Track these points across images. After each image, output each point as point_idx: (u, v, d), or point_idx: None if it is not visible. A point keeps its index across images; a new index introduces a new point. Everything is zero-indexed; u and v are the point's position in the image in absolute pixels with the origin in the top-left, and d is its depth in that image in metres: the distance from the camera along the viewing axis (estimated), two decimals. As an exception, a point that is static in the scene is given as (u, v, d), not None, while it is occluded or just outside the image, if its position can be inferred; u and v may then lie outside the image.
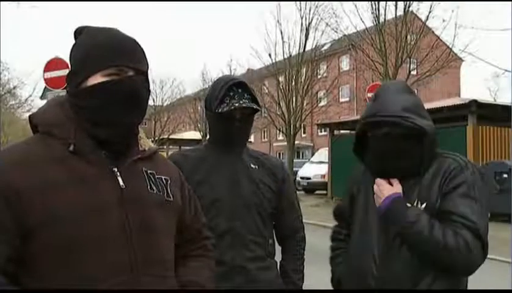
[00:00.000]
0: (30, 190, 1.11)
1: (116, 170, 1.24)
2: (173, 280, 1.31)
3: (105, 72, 1.23)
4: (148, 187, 1.29)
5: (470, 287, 1.75)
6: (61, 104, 1.29)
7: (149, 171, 1.32)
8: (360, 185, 1.87)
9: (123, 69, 1.24)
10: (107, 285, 1.13)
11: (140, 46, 1.30)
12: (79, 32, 1.31)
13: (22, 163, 1.15)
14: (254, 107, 1.91)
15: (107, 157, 1.24)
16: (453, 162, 1.68)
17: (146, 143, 1.38)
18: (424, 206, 1.65)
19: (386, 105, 1.71)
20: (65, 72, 7.98)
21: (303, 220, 2.16)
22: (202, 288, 1.38)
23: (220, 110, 1.89)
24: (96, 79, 1.23)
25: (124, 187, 1.22)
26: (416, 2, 16.16)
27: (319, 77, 23.83)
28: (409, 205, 1.65)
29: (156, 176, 1.34)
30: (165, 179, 1.36)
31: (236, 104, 1.87)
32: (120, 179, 1.23)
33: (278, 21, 21.87)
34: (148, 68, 1.31)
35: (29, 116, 1.30)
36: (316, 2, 20.07)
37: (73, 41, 1.32)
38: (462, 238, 1.53)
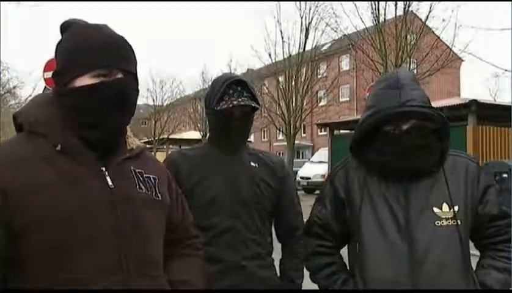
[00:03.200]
0: (18, 191, 1.10)
1: (104, 169, 1.22)
2: (164, 279, 1.30)
3: (93, 73, 1.21)
4: (137, 187, 1.28)
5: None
6: (47, 102, 1.27)
7: (137, 171, 1.31)
8: (354, 188, 1.65)
9: (111, 71, 1.22)
10: (99, 286, 1.13)
11: (128, 44, 1.28)
12: (66, 26, 1.28)
13: (10, 164, 1.13)
14: (253, 105, 1.90)
15: (95, 157, 1.23)
16: (471, 162, 1.64)
17: (134, 142, 1.37)
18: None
19: (414, 94, 1.53)
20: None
21: (303, 220, 2.16)
22: (191, 287, 1.37)
23: (218, 108, 1.88)
24: (85, 80, 1.21)
25: (113, 186, 1.21)
26: (416, 2, 16.16)
27: (319, 76, 23.80)
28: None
29: (145, 175, 1.33)
30: (153, 178, 1.35)
31: (235, 102, 1.87)
32: (108, 179, 1.22)
33: (278, 21, 21.86)
34: (136, 66, 1.29)
35: (13, 115, 1.27)
36: (316, 2, 20.06)
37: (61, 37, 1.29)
38: None
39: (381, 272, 1.54)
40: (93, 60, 1.21)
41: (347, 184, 1.68)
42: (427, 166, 1.57)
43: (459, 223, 1.53)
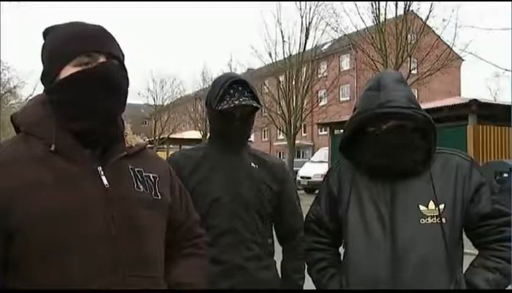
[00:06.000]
0: (10, 192, 1.09)
1: (100, 168, 1.20)
2: (161, 280, 1.28)
3: (75, 62, 1.19)
4: (135, 186, 1.26)
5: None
6: (42, 103, 1.25)
7: (136, 169, 1.29)
8: (344, 187, 1.68)
9: (93, 55, 1.19)
10: (93, 286, 1.11)
11: (107, 31, 1.26)
12: (46, 33, 1.28)
13: (3, 164, 1.13)
14: (254, 105, 1.89)
15: (91, 156, 1.21)
16: (464, 161, 1.64)
17: (133, 140, 1.34)
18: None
19: (394, 95, 1.56)
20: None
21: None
22: (191, 288, 1.34)
23: (220, 108, 1.87)
24: (68, 71, 1.19)
25: (108, 186, 1.19)
26: (417, 1, 16.16)
27: (319, 76, 23.81)
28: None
29: (144, 174, 1.30)
30: (153, 177, 1.32)
31: (236, 102, 1.85)
32: (104, 178, 1.20)
33: (278, 21, 21.93)
34: (121, 54, 1.26)
35: (11, 116, 1.27)
36: (316, 2, 20.07)
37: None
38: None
39: (362, 269, 1.56)
40: (72, 49, 1.19)
41: (339, 182, 1.72)
42: (410, 164, 1.58)
43: (444, 221, 1.53)
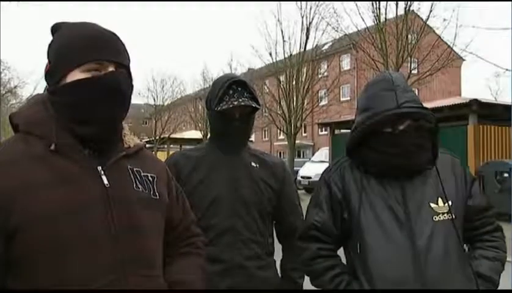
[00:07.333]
0: (10, 191, 1.09)
1: (100, 168, 1.21)
2: (161, 279, 1.28)
3: (84, 67, 1.18)
4: (134, 186, 1.26)
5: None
6: (42, 102, 1.25)
7: (135, 169, 1.29)
8: (351, 189, 1.65)
9: (103, 64, 1.20)
10: (93, 286, 1.11)
11: (120, 39, 1.26)
12: (55, 29, 1.27)
13: (2, 164, 1.13)
14: (253, 105, 1.90)
15: (90, 156, 1.21)
16: (455, 159, 1.72)
17: (132, 140, 1.34)
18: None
19: (409, 96, 1.59)
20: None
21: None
22: (191, 287, 1.34)
23: (219, 109, 1.88)
24: (76, 75, 1.18)
25: (108, 185, 1.19)
26: (417, 1, 16.17)
27: (319, 76, 23.77)
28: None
29: (142, 174, 1.30)
30: (151, 176, 1.32)
31: (235, 103, 1.86)
32: (104, 177, 1.20)
33: (278, 20, 21.86)
34: (129, 61, 1.27)
35: (9, 116, 1.26)
36: (317, 2, 20.06)
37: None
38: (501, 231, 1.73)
39: (387, 271, 1.53)
40: (82, 54, 1.19)
41: (343, 185, 1.67)
42: (424, 163, 1.62)
43: (454, 217, 1.58)
